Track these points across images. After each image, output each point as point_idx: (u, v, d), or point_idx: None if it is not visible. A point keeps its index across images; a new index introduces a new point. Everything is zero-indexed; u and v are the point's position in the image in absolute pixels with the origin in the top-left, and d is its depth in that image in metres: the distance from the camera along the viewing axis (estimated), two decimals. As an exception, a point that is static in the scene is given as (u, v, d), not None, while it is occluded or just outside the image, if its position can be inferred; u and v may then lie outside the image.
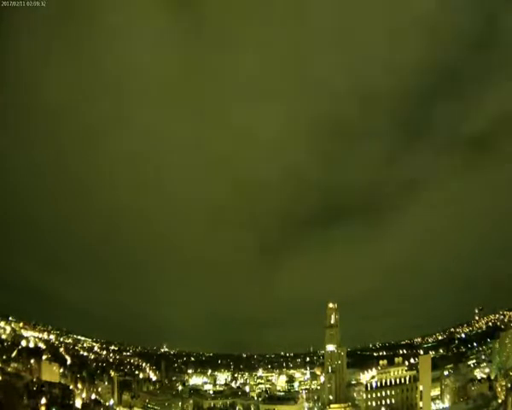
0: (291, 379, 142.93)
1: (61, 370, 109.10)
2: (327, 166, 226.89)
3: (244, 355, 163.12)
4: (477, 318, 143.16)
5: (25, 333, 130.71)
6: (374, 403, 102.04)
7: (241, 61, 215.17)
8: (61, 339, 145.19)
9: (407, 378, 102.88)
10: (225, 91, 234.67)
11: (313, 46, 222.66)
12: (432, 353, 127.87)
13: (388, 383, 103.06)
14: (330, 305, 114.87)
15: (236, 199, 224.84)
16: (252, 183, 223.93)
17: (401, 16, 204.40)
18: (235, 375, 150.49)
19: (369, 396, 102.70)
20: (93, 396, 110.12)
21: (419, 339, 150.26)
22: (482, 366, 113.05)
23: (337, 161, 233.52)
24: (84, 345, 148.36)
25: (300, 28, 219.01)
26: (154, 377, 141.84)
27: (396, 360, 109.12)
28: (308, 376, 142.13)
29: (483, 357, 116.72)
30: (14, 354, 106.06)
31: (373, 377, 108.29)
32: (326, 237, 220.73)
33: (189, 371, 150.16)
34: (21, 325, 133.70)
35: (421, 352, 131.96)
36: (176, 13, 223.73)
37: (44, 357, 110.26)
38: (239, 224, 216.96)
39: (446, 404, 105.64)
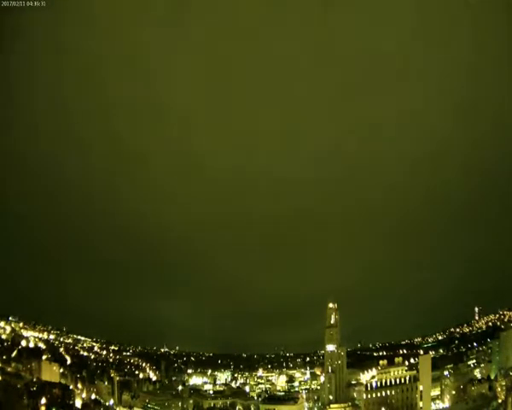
0: (291, 379, 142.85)
1: (61, 370, 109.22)
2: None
3: (244, 355, 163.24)
4: (477, 318, 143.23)
5: (25, 333, 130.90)
6: (374, 403, 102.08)
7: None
8: (61, 339, 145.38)
9: (407, 378, 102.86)
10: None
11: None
12: (432, 353, 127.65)
13: (388, 383, 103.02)
14: (330, 305, 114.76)
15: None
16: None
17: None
18: (235, 375, 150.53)
19: (369, 396, 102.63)
20: (93, 396, 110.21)
21: (419, 339, 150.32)
22: (482, 366, 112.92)
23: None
24: (84, 345, 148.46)
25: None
26: (154, 377, 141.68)
27: (396, 360, 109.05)
28: (308, 376, 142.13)
29: (483, 357, 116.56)
30: (14, 354, 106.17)
31: (373, 377, 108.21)
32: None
33: (189, 371, 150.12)
34: (21, 325, 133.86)
35: (421, 352, 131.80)
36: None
37: (44, 357, 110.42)
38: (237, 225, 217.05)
39: (446, 404, 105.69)
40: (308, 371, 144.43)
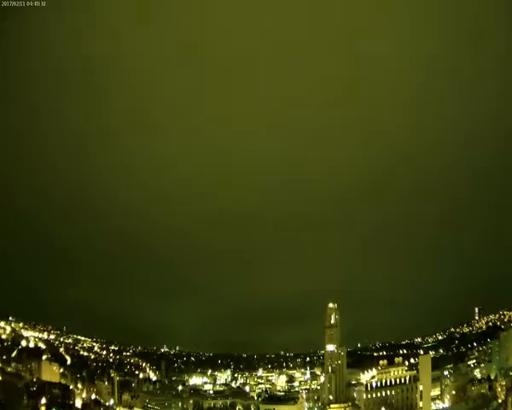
0: (291, 379, 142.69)
1: (61, 370, 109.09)
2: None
3: (244, 355, 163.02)
4: (477, 318, 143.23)
5: (25, 333, 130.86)
6: (374, 403, 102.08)
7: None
8: (61, 339, 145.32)
9: (407, 378, 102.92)
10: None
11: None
12: (432, 353, 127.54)
13: (388, 383, 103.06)
14: (330, 305, 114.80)
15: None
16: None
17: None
18: (235, 375, 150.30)
19: (369, 396, 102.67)
20: (93, 396, 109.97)
21: (419, 339, 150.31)
22: (482, 366, 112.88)
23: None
24: (84, 345, 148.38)
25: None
26: (154, 377, 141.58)
27: (396, 360, 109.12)
28: (308, 376, 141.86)
29: (483, 357, 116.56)
30: (14, 354, 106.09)
31: (373, 377, 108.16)
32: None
33: (189, 371, 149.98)
34: (21, 325, 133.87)
35: (421, 352, 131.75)
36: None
37: (44, 357, 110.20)
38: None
39: (446, 404, 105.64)
40: (308, 371, 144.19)
